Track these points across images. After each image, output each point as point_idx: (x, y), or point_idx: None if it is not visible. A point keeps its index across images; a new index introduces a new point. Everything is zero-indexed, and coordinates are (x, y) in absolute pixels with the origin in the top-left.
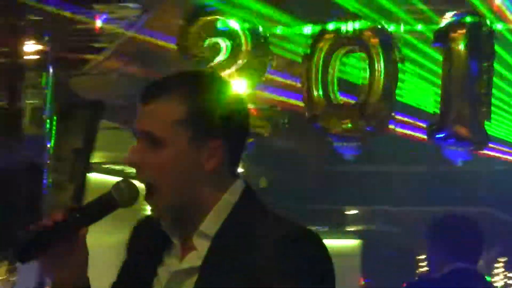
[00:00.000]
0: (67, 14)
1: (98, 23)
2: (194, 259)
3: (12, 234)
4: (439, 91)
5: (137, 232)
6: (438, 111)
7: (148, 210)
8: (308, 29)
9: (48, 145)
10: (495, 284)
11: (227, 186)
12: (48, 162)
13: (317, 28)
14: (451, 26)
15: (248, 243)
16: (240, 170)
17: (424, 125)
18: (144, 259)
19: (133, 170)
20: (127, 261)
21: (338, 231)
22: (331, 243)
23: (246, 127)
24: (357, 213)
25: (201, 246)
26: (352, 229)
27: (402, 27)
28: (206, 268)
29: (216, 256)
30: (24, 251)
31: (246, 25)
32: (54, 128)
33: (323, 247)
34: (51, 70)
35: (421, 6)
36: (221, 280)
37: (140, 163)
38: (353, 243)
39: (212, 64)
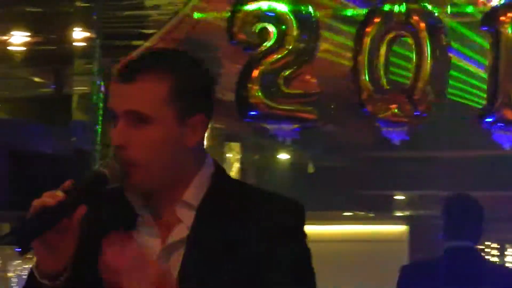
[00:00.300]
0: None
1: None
2: (183, 231)
3: None
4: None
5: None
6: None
7: None
8: (356, 12)
9: (96, 132)
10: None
11: (204, 159)
12: (95, 148)
13: (365, 11)
14: (500, 9)
15: (233, 211)
16: (286, 156)
17: (473, 109)
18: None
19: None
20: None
21: (385, 216)
22: (378, 228)
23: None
24: (404, 198)
25: (187, 217)
26: (399, 214)
27: (449, 9)
28: (195, 238)
29: (203, 224)
30: (26, 234)
31: (294, 9)
32: (101, 114)
33: (303, 210)
34: (99, 57)
35: None
36: (211, 248)
37: (126, 143)
38: (400, 229)
39: (260, 49)
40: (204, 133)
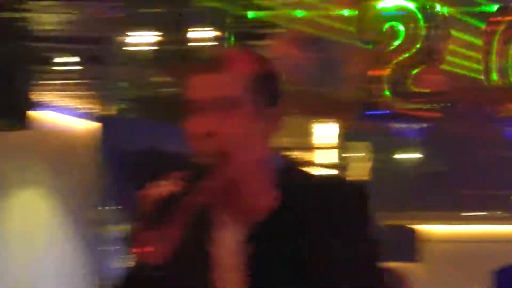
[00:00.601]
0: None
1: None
2: (259, 223)
3: None
4: None
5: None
6: None
7: None
8: (486, 9)
9: None
10: None
11: (276, 152)
12: None
13: (495, 8)
14: None
15: (306, 201)
16: (413, 155)
17: None
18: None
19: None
20: None
21: (505, 217)
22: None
23: None
24: None
25: (264, 208)
26: None
27: None
28: (273, 229)
29: (281, 215)
30: (152, 219)
31: (423, 8)
32: None
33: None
34: None
35: None
36: (286, 239)
37: (214, 131)
38: None
39: (388, 48)
40: (279, 127)
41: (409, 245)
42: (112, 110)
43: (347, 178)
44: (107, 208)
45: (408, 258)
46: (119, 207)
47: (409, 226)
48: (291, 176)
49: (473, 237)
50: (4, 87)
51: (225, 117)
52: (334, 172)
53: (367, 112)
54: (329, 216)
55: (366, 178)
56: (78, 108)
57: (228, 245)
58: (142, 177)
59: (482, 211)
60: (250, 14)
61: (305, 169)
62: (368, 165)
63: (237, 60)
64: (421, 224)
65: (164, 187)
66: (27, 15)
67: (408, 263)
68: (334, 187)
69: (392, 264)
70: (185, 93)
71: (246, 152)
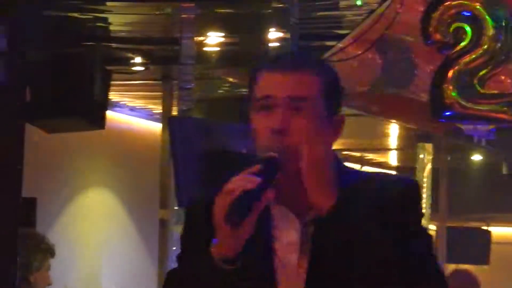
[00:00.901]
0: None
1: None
2: (311, 213)
3: None
4: None
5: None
6: None
7: None
8: None
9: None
10: None
11: (336, 157)
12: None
13: None
14: None
15: (362, 197)
16: (480, 157)
17: None
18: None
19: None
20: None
21: None
22: None
23: None
24: None
25: (323, 203)
26: None
27: None
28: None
29: (340, 209)
30: (237, 213)
31: (490, 9)
32: None
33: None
34: None
35: None
36: (344, 232)
37: (287, 129)
38: None
39: (455, 49)
40: (340, 133)
41: (479, 247)
42: (181, 111)
43: (402, 176)
44: (175, 208)
45: (478, 260)
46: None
47: (478, 228)
48: (350, 175)
49: None
50: (84, 88)
51: (298, 115)
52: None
53: (435, 113)
54: (385, 214)
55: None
56: (146, 108)
57: (289, 240)
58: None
59: None
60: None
61: (363, 168)
62: (431, 166)
63: (313, 63)
64: (491, 226)
65: (242, 183)
66: (101, 15)
67: (478, 265)
68: (389, 185)
69: (462, 266)
70: (257, 89)
71: (314, 150)
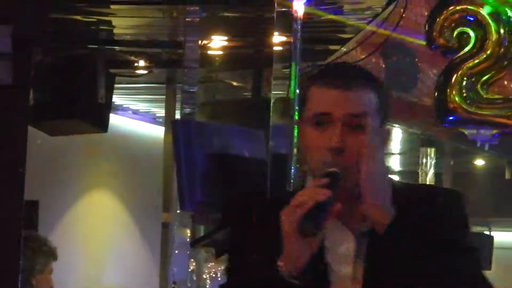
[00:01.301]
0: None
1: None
2: (365, 226)
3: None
4: None
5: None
6: None
7: None
8: None
9: (293, 136)
10: None
11: None
12: (293, 152)
13: None
14: None
15: (409, 207)
16: (483, 161)
17: None
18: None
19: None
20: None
21: None
22: None
23: None
24: None
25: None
26: None
27: None
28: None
29: (396, 228)
30: (311, 224)
31: (494, 14)
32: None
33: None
34: (297, 62)
35: None
36: (397, 241)
37: (344, 147)
38: None
39: (459, 54)
40: (389, 145)
41: (481, 253)
42: (185, 114)
43: (449, 188)
44: (178, 211)
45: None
46: (189, 211)
47: (481, 233)
48: (400, 189)
49: None
50: (87, 91)
51: (355, 132)
52: (407, 177)
53: (438, 118)
54: (436, 230)
55: (434, 183)
56: (150, 112)
57: (343, 253)
58: (214, 181)
59: None
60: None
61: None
62: (434, 171)
63: (367, 76)
64: (494, 231)
65: (313, 195)
66: (106, 18)
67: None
68: (440, 198)
69: None
70: (312, 105)
71: (372, 167)
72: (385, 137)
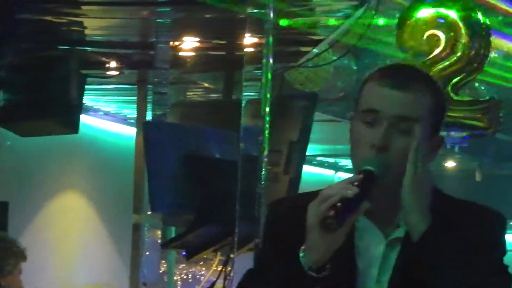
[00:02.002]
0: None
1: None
2: (399, 231)
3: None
4: None
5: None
6: None
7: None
8: None
9: (264, 137)
10: None
11: None
12: (264, 154)
13: None
14: None
15: (443, 217)
16: (453, 163)
17: None
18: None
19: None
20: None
21: None
22: None
23: None
24: None
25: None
26: None
27: None
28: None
29: (430, 237)
30: (335, 219)
31: (465, 16)
32: (270, 120)
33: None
34: (268, 63)
35: None
36: (428, 250)
37: (388, 146)
38: None
39: (430, 56)
40: (436, 156)
41: None
42: (156, 116)
43: (491, 210)
44: (148, 213)
45: None
46: (160, 212)
47: None
48: (443, 199)
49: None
50: (57, 92)
51: (403, 135)
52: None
53: None
54: (471, 246)
55: None
56: (121, 113)
57: (372, 255)
58: (185, 183)
59: None
60: (283, 22)
61: (337, 174)
62: None
63: (425, 80)
64: None
65: (341, 191)
66: (77, 19)
67: None
68: (479, 214)
69: None
70: (363, 101)
71: (417, 172)
72: (436, 145)
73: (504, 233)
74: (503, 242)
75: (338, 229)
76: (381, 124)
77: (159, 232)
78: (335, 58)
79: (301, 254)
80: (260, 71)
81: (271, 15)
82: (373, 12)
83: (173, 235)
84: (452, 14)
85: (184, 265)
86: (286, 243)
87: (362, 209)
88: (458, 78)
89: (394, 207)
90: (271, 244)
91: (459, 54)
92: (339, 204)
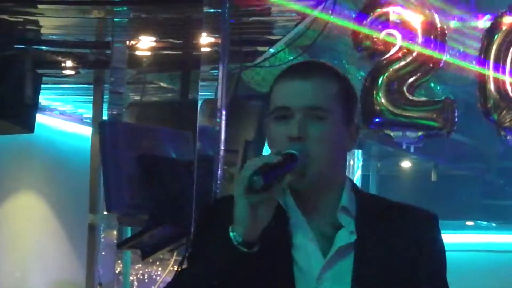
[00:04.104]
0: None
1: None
2: (347, 236)
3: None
4: None
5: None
6: None
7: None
8: (483, 21)
9: (221, 137)
10: None
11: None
12: (220, 154)
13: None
14: None
15: (382, 219)
16: (409, 163)
17: None
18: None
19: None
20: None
21: (510, 227)
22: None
23: None
24: None
25: (347, 222)
26: None
27: None
28: (364, 243)
29: (366, 231)
30: (262, 177)
31: (421, 17)
32: (226, 120)
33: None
34: (224, 63)
35: None
36: (376, 253)
37: (304, 136)
38: None
39: (386, 56)
40: (355, 144)
41: None
42: (112, 115)
43: (424, 211)
44: (104, 213)
45: None
46: (116, 212)
47: None
48: (368, 197)
49: (462, 247)
50: (12, 91)
51: (316, 123)
52: None
53: (365, 120)
54: (407, 247)
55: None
56: (77, 112)
57: (309, 250)
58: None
59: (473, 221)
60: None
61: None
62: (361, 173)
63: (324, 69)
64: None
65: (264, 158)
66: (33, 18)
67: None
68: (407, 213)
69: None
70: (274, 100)
71: (328, 159)
72: (354, 131)
73: (439, 231)
74: (440, 240)
75: (265, 197)
76: (293, 117)
77: (114, 232)
78: (291, 58)
79: (230, 233)
80: (217, 70)
81: (227, 14)
82: (330, 12)
83: (129, 235)
84: (408, 14)
85: (140, 265)
86: (216, 232)
87: (287, 179)
88: (414, 78)
89: (320, 195)
90: (202, 236)
91: (414, 54)
92: (263, 167)
